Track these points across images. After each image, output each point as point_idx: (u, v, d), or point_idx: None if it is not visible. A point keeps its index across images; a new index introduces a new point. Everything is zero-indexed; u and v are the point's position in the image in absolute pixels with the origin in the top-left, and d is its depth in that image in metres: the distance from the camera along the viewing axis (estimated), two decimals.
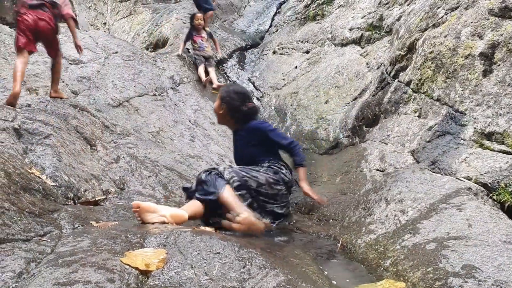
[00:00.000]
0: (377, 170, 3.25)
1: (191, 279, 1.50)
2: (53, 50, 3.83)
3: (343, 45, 5.80)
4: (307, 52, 6.44)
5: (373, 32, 5.33)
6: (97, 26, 10.87)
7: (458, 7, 3.19)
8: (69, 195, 2.61)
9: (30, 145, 2.79)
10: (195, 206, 2.50)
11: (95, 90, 5.03)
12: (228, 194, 2.46)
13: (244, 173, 2.63)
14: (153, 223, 2.17)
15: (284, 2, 9.02)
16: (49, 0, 3.60)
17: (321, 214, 3.02)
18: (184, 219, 2.32)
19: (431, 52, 3.24)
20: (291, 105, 5.72)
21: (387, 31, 5.06)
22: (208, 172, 2.58)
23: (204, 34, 6.70)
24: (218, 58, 7.26)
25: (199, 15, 6.72)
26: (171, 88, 5.90)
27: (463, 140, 2.70)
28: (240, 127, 3.02)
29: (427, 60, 3.26)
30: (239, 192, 2.54)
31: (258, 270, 1.59)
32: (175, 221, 2.24)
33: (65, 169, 2.75)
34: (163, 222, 2.20)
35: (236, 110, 2.95)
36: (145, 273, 1.53)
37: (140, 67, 5.86)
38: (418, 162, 2.92)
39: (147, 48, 8.54)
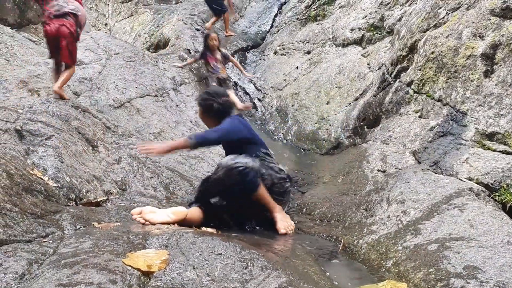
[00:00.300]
0: (379, 170, 3.25)
1: (193, 280, 1.50)
2: (69, 55, 3.99)
3: (344, 45, 5.79)
4: (308, 52, 6.44)
5: (374, 32, 5.32)
6: (98, 27, 10.89)
7: (459, 7, 3.19)
8: (71, 196, 2.61)
9: (32, 147, 2.79)
10: (195, 210, 2.54)
11: (97, 91, 5.03)
12: (264, 191, 2.60)
13: (264, 170, 2.68)
14: (155, 224, 2.19)
15: (285, 3, 9.00)
16: (71, 11, 3.97)
17: (322, 215, 3.02)
18: (185, 214, 2.40)
19: (432, 53, 3.24)
20: (292, 105, 5.72)
21: (388, 32, 5.05)
22: (243, 167, 2.49)
23: (218, 56, 6.15)
24: (251, 79, 6.96)
25: (214, 35, 6.18)
26: (173, 89, 5.91)
27: (465, 140, 2.70)
28: None
29: (429, 61, 3.25)
30: None
31: (260, 271, 1.59)
32: (177, 216, 2.33)
33: (67, 170, 2.76)
34: (166, 223, 2.25)
35: (210, 109, 2.96)
36: (147, 274, 1.53)
37: (141, 68, 5.86)
38: (419, 162, 2.92)
39: (148, 49, 8.54)
